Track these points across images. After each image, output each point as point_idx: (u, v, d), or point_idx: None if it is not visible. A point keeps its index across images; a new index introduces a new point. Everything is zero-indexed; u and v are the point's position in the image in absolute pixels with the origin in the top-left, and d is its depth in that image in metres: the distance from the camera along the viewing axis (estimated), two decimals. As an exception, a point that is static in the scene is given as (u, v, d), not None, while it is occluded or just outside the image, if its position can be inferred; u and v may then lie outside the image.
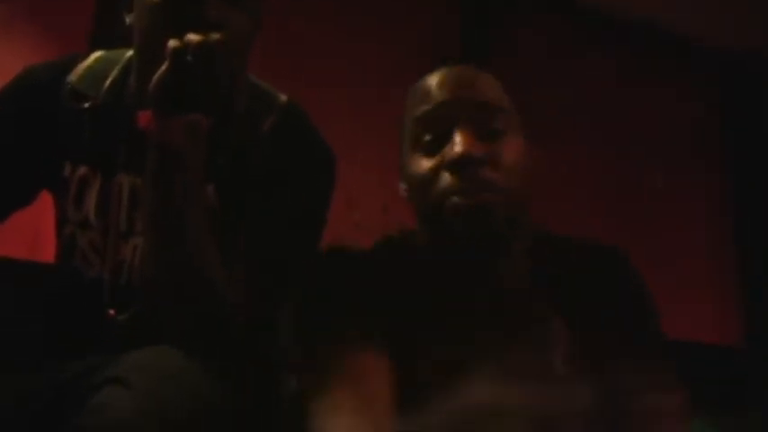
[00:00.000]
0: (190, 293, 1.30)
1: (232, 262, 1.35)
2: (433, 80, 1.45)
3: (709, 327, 4.29)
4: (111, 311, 1.45)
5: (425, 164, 1.38)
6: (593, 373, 1.32)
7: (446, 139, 1.37)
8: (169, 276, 1.30)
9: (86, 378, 1.24)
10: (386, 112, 3.67)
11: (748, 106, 4.71)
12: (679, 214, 4.48)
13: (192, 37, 1.23)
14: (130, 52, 1.56)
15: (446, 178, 1.34)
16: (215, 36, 1.23)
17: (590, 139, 4.31)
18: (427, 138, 1.39)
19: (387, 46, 3.94)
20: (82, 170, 1.50)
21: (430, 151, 1.39)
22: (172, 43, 1.23)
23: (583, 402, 1.19)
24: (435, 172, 1.36)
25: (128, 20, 1.48)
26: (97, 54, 1.60)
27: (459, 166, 1.33)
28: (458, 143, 1.34)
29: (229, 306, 1.33)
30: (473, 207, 1.31)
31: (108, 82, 1.54)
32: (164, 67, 1.25)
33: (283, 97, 1.58)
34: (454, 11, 4.21)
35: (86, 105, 1.52)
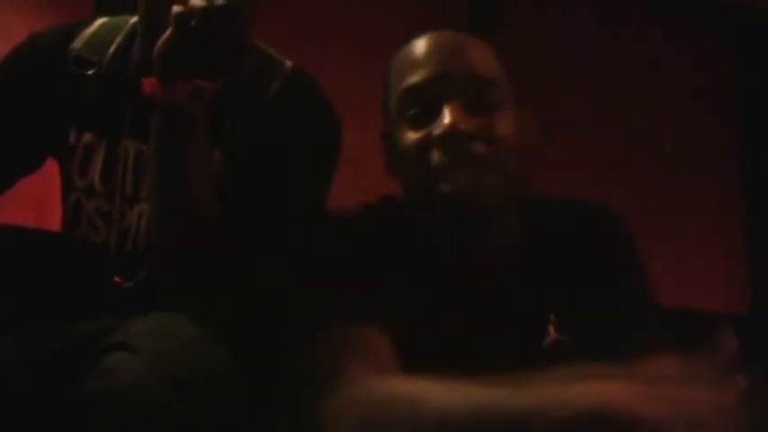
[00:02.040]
0: (193, 255, 1.32)
1: (238, 226, 1.36)
2: (421, 47, 1.37)
3: (719, 296, 4.29)
4: (117, 277, 1.45)
5: (412, 137, 1.31)
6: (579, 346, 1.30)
7: (435, 112, 1.30)
8: (173, 239, 1.32)
9: (93, 342, 1.25)
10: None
11: (763, 68, 4.66)
12: (690, 183, 4.47)
13: (196, 2, 1.22)
14: (135, 18, 1.56)
15: (435, 156, 1.28)
16: (219, 1, 1.22)
17: (601, 105, 4.29)
18: (414, 110, 1.32)
19: (395, 9, 3.92)
20: (87, 136, 1.50)
21: (418, 124, 1.31)
22: (176, 9, 1.23)
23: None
24: (423, 147, 1.30)
25: None
26: (101, 20, 1.60)
27: (448, 141, 1.27)
28: (447, 117, 1.27)
29: (233, 268, 1.34)
30: (464, 195, 1.26)
31: (112, 48, 1.53)
32: (168, 33, 1.24)
33: (289, 63, 1.57)
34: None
35: (91, 72, 1.52)
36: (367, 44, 3.75)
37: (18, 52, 1.58)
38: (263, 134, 1.46)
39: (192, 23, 1.21)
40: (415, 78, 1.33)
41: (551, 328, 1.33)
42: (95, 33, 1.56)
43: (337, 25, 3.79)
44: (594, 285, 1.35)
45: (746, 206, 4.58)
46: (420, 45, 1.37)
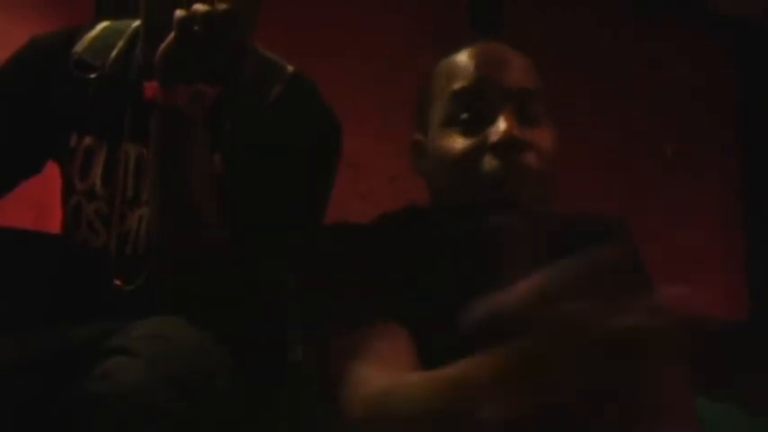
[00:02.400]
0: (193, 259, 1.32)
1: (238, 230, 1.36)
2: (470, 55, 1.38)
3: (718, 302, 4.29)
4: (117, 281, 1.45)
5: (462, 142, 1.31)
6: None
7: (486, 118, 1.31)
8: (173, 243, 1.32)
9: (93, 345, 1.25)
10: (394, 82, 3.68)
11: (763, 72, 4.66)
12: (689, 185, 4.47)
13: (199, 7, 1.22)
14: (137, 22, 1.56)
15: (489, 161, 1.28)
16: (221, 6, 1.23)
17: (600, 108, 4.29)
18: (464, 115, 1.33)
19: (394, 15, 3.92)
20: (88, 140, 1.51)
21: (467, 130, 1.32)
22: (179, 13, 1.23)
23: None
24: (475, 153, 1.30)
25: None
26: (103, 24, 1.61)
27: (504, 149, 1.28)
28: (503, 125, 1.28)
29: (234, 272, 1.34)
30: (514, 205, 1.27)
31: (114, 52, 1.54)
32: (170, 38, 1.25)
33: (290, 67, 1.57)
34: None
35: (93, 76, 1.52)
36: (367, 47, 3.76)
37: (19, 55, 1.58)
38: (264, 138, 1.46)
39: (195, 28, 1.22)
40: (466, 83, 1.34)
41: None
42: (97, 37, 1.57)
43: (337, 28, 3.79)
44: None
45: (746, 209, 4.58)
46: (468, 53, 1.38)
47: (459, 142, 1.32)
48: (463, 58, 1.38)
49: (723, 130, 4.65)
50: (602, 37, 4.42)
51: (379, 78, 3.65)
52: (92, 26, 1.60)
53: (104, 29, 1.59)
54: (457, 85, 1.35)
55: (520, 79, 1.35)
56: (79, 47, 1.54)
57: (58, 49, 1.55)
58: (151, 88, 1.29)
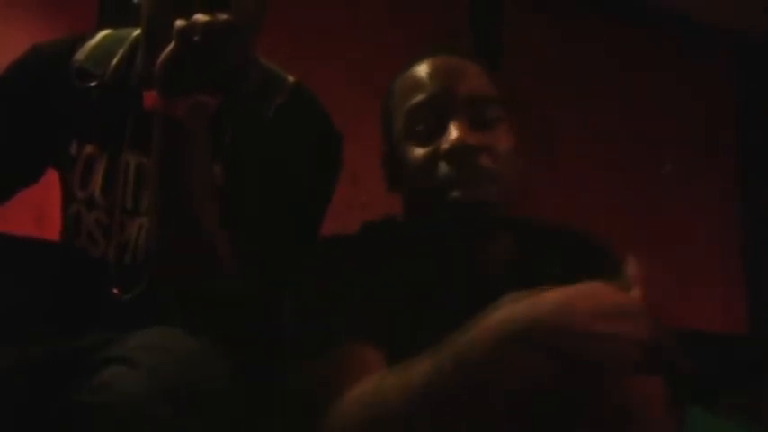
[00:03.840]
0: (193, 270, 1.31)
1: (238, 240, 1.36)
2: (424, 69, 1.44)
3: (717, 316, 4.29)
4: (116, 291, 1.45)
5: (420, 152, 1.37)
6: None
7: (440, 128, 1.36)
8: (173, 253, 1.32)
9: (90, 356, 1.25)
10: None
11: (764, 94, 4.67)
12: (688, 201, 4.47)
13: (200, 17, 1.22)
14: (137, 31, 1.56)
15: (443, 168, 1.34)
16: (222, 17, 1.22)
17: (600, 127, 4.29)
18: (420, 127, 1.39)
19: (396, 24, 3.92)
20: (88, 149, 1.50)
21: (424, 140, 1.38)
22: (179, 23, 1.23)
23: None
24: (431, 161, 1.35)
25: None
26: (104, 32, 1.61)
27: (456, 155, 1.33)
28: (453, 132, 1.34)
29: (234, 283, 1.34)
30: (473, 201, 1.32)
31: (115, 61, 1.54)
32: (170, 47, 1.24)
33: (291, 78, 1.57)
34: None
35: (93, 84, 1.52)
36: (367, 56, 3.76)
37: (20, 63, 1.58)
38: (264, 149, 1.46)
39: (195, 38, 1.22)
40: (419, 97, 1.40)
41: None
42: (98, 45, 1.57)
43: (337, 39, 3.79)
44: None
45: (744, 223, 4.58)
46: (421, 68, 1.44)
47: (416, 153, 1.38)
48: (416, 72, 1.44)
49: (722, 144, 4.66)
50: (600, 44, 4.43)
51: (379, 89, 3.64)
52: (92, 35, 1.60)
53: (105, 37, 1.59)
54: (412, 100, 1.41)
55: (471, 87, 1.40)
56: (80, 55, 1.55)
57: (59, 57, 1.55)
58: (151, 98, 1.29)
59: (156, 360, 1.16)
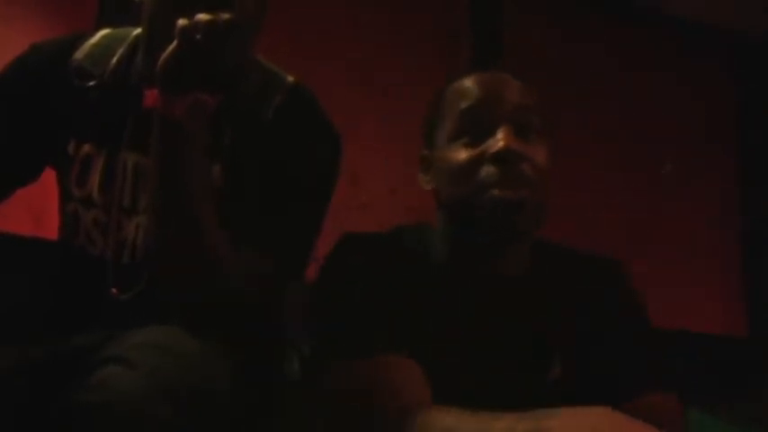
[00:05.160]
0: (192, 270, 1.31)
1: (237, 241, 1.35)
2: (474, 79, 1.52)
3: (716, 318, 4.29)
4: (114, 290, 1.45)
5: (464, 154, 1.44)
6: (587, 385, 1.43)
7: (487, 134, 1.44)
8: (172, 253, 1.31)
9: (88, 355, 1.25)
10: (395, 94, 3.68)
11: (763, 94, 4.66)
12: (688, 207, 4.47)
13: (201, 16, 1.22)
14: (137, 30, 1.55)
15: (487, 169, 1.41)
16: (224, 16, 1.22)
17: (600, 127, 4.29)
18: (468, 132, 1.46)
19: (396, 25, 3.93)
20: (86, 147, 1.50)
21: (470, 144, 1.45)
22: (181, 22, 1.23)
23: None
24: (476, 163, 1.42)
25: None
26: (103, 32, 1.60)
27: (501, 159, 1.40)
28: (501, 138, 1.41)
29: (234, 283, 1.33)
30: (511, 201, 1.39)
31: (114, 60, 1.54)
32: (172, 46, 1.24)
33: (291, 78, 1.57)
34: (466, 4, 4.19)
35: (92, 83, 1.52)
36: (368, 61, 3.76)
37: (19, 62, 1.57)
38: (263, 149, 1.46)
39: (197, 37, 1.22)
40: (469, 102, 1.48)
41: (556, 364, 1.46)
42: (97, 44, 1.56)
43: (337, 39, 3.79)
44: (600, 327, 1.49)
45: (744, 225, 4.58)
46: (471, 78, 1.53)
47: (462, 153, 1.45)
48: (466, 81, 1.53)
49: (722, 144, 4.65)
50: (600, 47, 4.43)
51: (379, 89, 3.65)
52: (92, 33, 1.59)
53: (104, 36, 1.59)
54: (463, 105, 1.49)
55: (517, 99, 1.49)
56: (79, 54, 1.54)
57: (58, 55, 1.55)
58: (151, 96, 1.29)
59: (155, 359, 1.16)
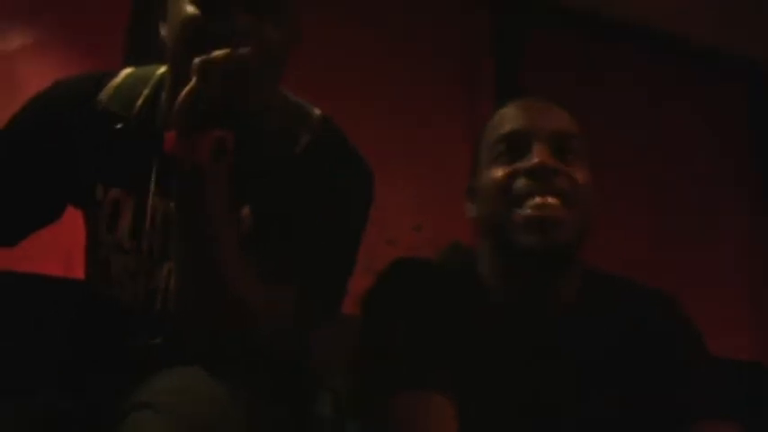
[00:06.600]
0: (220, 313, 1.28)
1: (270, 280, 1.33)
2: (514, 106, 1.57)
3: (744, 345, 4.24)
4: (145, 336, 1.43)
5: (500, 172, 1.48)
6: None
7: (523, 155, 1.47)
8: (200, 296, 1.29)
9: (118, 399, 1.24)
10: (419, 130, 3.68)
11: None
12: (714, 231, 4.44)
13: (217, 53, 1.19)
14: (161, 69, 1.53)
15: (521, 182, 1.44)
16: (242, 51, 1.19)
17: (620, 158, 4.25)
18: (506, 153, 1.49)
19: (419, 64, 3.93)
20: (114, 192, 1.47)
21: (507, 163, 1.48)
22: (196, 60, 1.20)
23: None
24: (511, 177, 1.46)
25: (162, 32, 1.44)
26: (127, 71, 1.57)
27: (535, 172, 1.43)
28: (536, 154, 1.45)
29: (264, 325, 1.31)
30: (543, 220, 1.39)
31: (140, 101, 1.50)
32: (189, 85, 1.20)
33: (318, 112, 1.54)
34: (483, 27, 4.20)
35: (119, 126, 1.48)
36: (393, 98, 3.76)
37: (42, 99, 1.54)
38: (293, 189, 1.43)
39: (215, 73, 1.18)
40: (507, 128, 1.52)
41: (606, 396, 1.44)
42: (121, 85, 1.53)
43: (365, 78, 3.80)
44: (657, 357, 1.48)
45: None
46: (512, 105, 1.58)
47: (497, 172, 1.48)
48: (507, 108, 1.58)
49: (748, 177, 4.62)
50: (620, 87, 4.42)
51: (407, 125, 3.66)
52: (115, 73, 1.56)
53: (128, 76, 1.55)
54: (502, 130, 1.52)
55: (556, 123, 1.52)
56: (104, 95, 1.51)
57: (82, 96, 1.51)
58: (170, 139, 1.24)
59: (182, 405, 1.15)
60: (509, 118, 1.54)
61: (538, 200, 1.41)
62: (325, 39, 3.56)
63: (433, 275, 1.53)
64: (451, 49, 4.06)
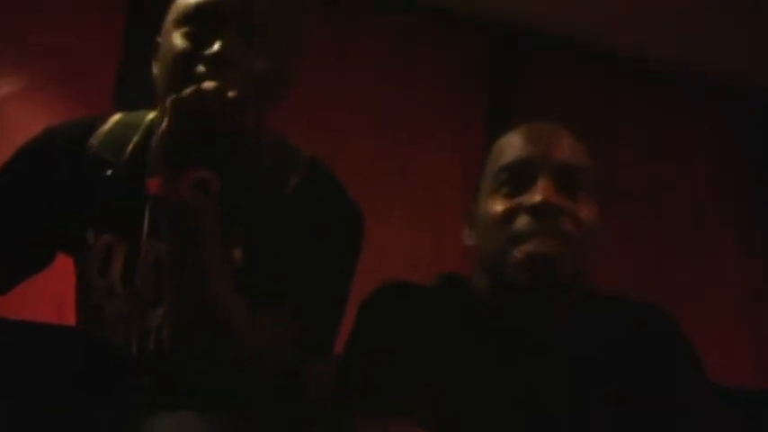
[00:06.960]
0: (213, 349, 1.28)
1: (262, 320, 1.32)
2: (522, 132, 1.49)
3: (748, 373, 4.23)
4: (139, 378, 1.42)
5: (502, 205, 1.41)
6: None
7: (527, 187, 1.40)
8: (193, 333, 1.29)
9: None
10: (413, 170, 3.68)
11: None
12: (714, 253, 4.44)
13: (186, 90, 1.19)
14: (151, 114, 1.53)
15: (523, 220, 1.37)
16: (210, 84, 1.19)
17: (617, 190, 4.27)
18: (509, 184, 1.42)
19: (415, 102, 3.95)
20: (106, 237, 1.47)
21: (509, 195, 1.41)
22: (170, 98, 1.20)
23: None
24: (512, 213, 1.39)
25: (154, 70, 1.44)
26: (116, 117, 1.56)
27: (538, 210, 1.36)
28: (540, 190, 1.37)
29: (257, 362, 1.31)
30: (546, 258, 1.34)
31: (130, 147, 1.50)
32: (165, 124, 1.20)
33: (307, 155, 1.54)
34: (480, 64, 4.22)
35: (109, 173, 1.48)
36: (387, 137, 3.77)
37: (32, 146, 1.54)
38: (283, 230, 1.43)
39: (189, 110, 1.18)
40: (512, 156, 1.45)
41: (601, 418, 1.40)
42: (111, 131, 1.52)
43: (360, 116, 3.81)
44: (654, 378, 1.44)
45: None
46: (519, 131, 1.50)
47: (499, 205, 1.42)
48: (514, 134, 1.49)
49: (745, 200, 4.64)
50: (617, 119, 4.44)
51: (401, 165, 3.66)
52: (105, 119, 1.55)
53: (117, 122, 1.55)
54: (505, 158, 1.45)
55: (564, 154, 1.44)
56: (94, 141, 1.51)
57: (73, 142, 1.51)
58: (154, 183, 1.24)
59: None
60: (514, 145, 1.47)
61: (537, 241, 1.35)
62: (319, 80, 3.58)
63: (418, 294, 1.49)
64: (445, 85, 4.08)
